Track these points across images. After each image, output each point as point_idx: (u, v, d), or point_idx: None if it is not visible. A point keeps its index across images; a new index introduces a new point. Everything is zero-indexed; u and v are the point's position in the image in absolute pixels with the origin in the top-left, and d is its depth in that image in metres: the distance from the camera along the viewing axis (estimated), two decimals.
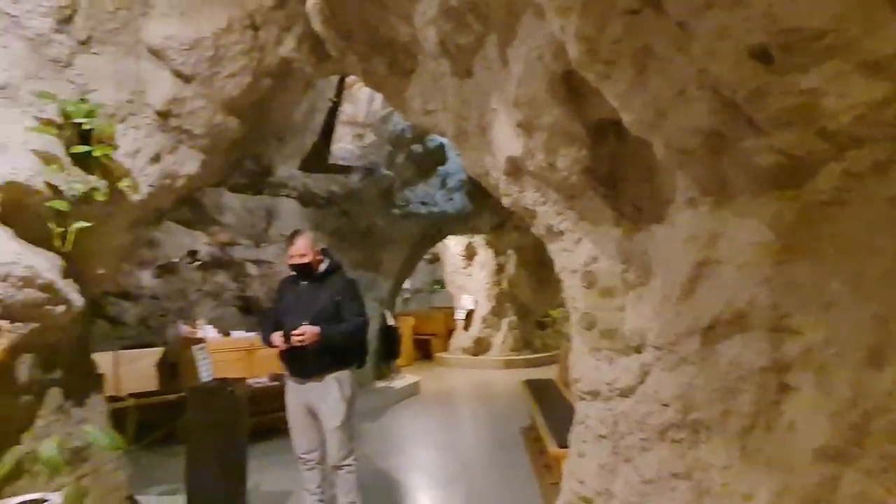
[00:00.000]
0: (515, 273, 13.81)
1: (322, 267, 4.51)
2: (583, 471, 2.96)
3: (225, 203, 7.62)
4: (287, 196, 8.17)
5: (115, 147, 4.12)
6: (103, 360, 7.72)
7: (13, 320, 3.60)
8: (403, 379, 11.00)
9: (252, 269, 8.90)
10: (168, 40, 4.30)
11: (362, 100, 7.46)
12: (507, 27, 2.74)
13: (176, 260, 7.97)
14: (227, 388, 4.92)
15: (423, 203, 9.53)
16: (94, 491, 3.94)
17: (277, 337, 4.29)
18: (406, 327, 13.42)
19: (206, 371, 5.02)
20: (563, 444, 3.89)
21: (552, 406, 6.33)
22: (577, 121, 2.60)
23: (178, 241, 7.85)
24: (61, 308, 3.85)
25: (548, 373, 9.17)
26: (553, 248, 3.15)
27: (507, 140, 2.96)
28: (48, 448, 3.60)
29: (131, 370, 7.96)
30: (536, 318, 14.29)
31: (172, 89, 4.37)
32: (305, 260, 4.43)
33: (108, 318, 8.27)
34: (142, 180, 4.28)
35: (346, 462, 4.36)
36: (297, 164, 7.63)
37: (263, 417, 6.75)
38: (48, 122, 3.79)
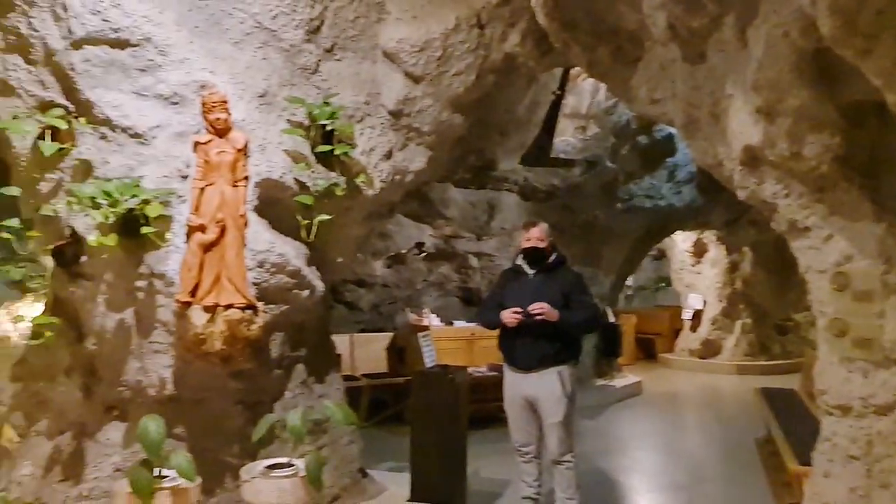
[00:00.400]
0: (752, 272, 12.76)
1: (551, 258, 4.42)
2: (829, 493, 2.65)
3: (450, 197, 7.94)
4: (508, 190, 8.30)
5: (354, 146, 4.45)
6: (340, 342, 8.43)
7: (267, 302, 4.04)
8: (625, 378, 10.67)
9: (474, 262, 9.17)
10: (400, 43, 4.56)
11: (586, 91, 7.34)
12: (747, 5, 2.52)
13: (405, 251, 8.47)
14: (448, 374, 5.11)
15: (649, 196, 9.15)
16: (331, 461, 4.30)
17: (510, 312, 4.17)
18: (628, 325, 13.01)
19: (430, 357, 5.26)
20: (806, 462, 3.51)
21: (793, 418, 5.75)
22: (829, 103, 2.31)
23: (407, 233, 8.33)
24: (306, 292, 4.26)
25: (787, 382, 8.37)
26: (797, 246, 2.84)
27: (743, 127, 2.72)
28: (293, 418, 3.97)
29: (364, 352, 8.57)
30: (775, 322, 13.10)
31: (404, 90, 4.62)
32: (542, 244, 4.35)
33: (346, 303, 9.00)
34: (375, 176, 4.58)
35: (566, 458, 4.29)
36: (519, 158, 7.70)
37: (482, 405, 6.91)
38: (298, 125, 4.19)
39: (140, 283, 3.82)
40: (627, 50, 3.61)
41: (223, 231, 3.79)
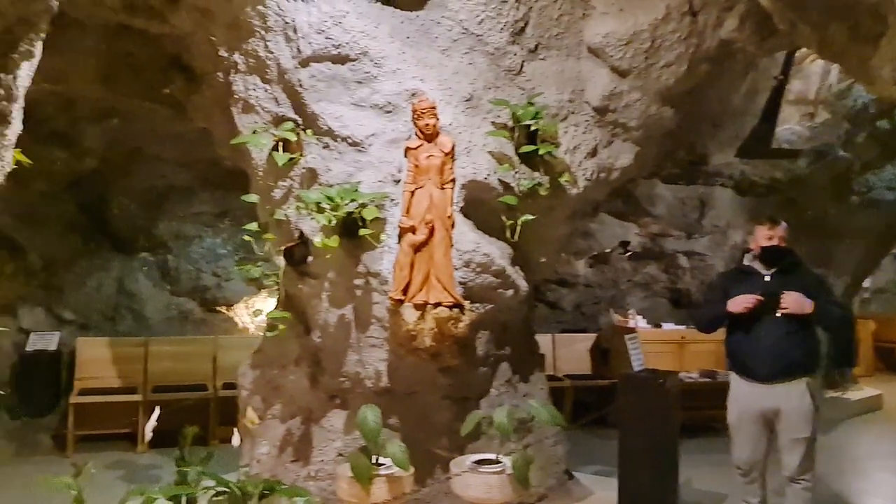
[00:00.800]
0: None
1: (789, 258, 4.06)
2: None
3: (657, 194, 7.62)
4: (722, 185, 7.78)
5: (558, 145, 4.41)
6: (543, 341, 8.42)
7: (473, 301, 4.13)
8: (861, 390, 9.57)
9: (683, 261, 8.72)
10: (606, 38, 4.44)
11: (815, 74, 6.66)
12: None
13: (608, 250, 8.27)
14: (658, 379, 4.89)
15: (891, 188, 8.09)
16: (537, 460, 4.30)
17: (744, 298, 3.85)
18: (865, 332, 11.64)
19: (638, 361, 5.07)
20: None
21: None
22: None
23: (611, 232, 8.12)
24: (510, 292, 4.30)
25: None
26: None
27: None
28: (500, 415, 4.03)
29: (567, 352, 8.49)
30: None
31: (609, 85, 4.50)
32: (783, 244, 4.00)
33: (547, 303, 8.97)
34: (580, 174, 4.51)
35: (804, 477, 3.88)
36: (734, 150, 7.19)
37: (694, 413, 6.55)
38: (502, 126, 4.24)
39: (358, 282, 4.09)
40: (866, 26, 3.20)
41: (432, 232, 3.94)
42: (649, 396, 4.94)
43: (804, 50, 6.59)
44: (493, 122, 4.27)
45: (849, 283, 9.24)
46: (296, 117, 4.05)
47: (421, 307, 3.93)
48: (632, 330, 7.94)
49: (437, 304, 3.93)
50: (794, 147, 7.17)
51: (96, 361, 6.70)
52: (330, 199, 3.81)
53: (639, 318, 8.43)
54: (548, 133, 4.30)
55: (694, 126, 6.80)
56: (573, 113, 4.52)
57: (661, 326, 8.26)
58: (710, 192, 7.89)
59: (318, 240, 3.85)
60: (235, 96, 4.13)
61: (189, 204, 7.07)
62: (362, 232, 3.79)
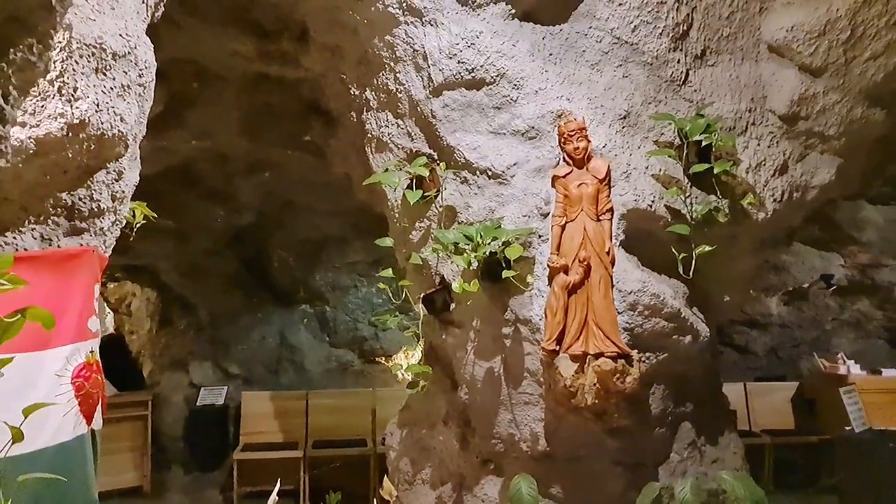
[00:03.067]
0: None
1: None
2: None
3: (864, 218, 6.47)
4: None
5: (737, 162, 3.72)
6: (733, 392, 7.41)
7: (642, 350, 3.51)
8: None
9: None
10: (792, 32, 3.72)
11: None
12: None
13: (806, 285, 7.15)
14: (888, 442, 3.93)
15: None
16: None
17: None
18: None
19: (857, 418, 4.13)
20: None
21: None
22: None
23: (808, 263, 7.02)
24: (688, 338, 3.62)
25: None
26: None
27: None
28: (683, 488, 3.37)
29: (764, 404, 7.40)
30: None
31: (799, 87, 3.75)
32: None
33: (736, 347, 7.94)
34: (766, 196, 3.77)
35: None
36: None
37: None
38: (667, 145, 3.64)
39: (506, 330, 3.63)
40: None
41: (588, 271, 3.40)
42: (877, 462, 4.00)
43: None
44: (655, 142, 3.68)
45: None
46: (431, 151, 3.72)
47: (579, 358, 3.38)
48: (842, 378, 6.78)
49: (599, 355, 3.36)
50: None
51: (260, 416, 6.74)
52: (469, 238, 3.40)
53: (851, 363, 7.18)
54: (723, 148, 3.63)
55: None
56: (754, 124, 3.81)
57: (880, 373, 6.95)
58: None
59: (456, 285, 3.44)
60: (369, 135, 3.88)
61: (343, 254, 7.02)
62: (506, 274, 3.32)
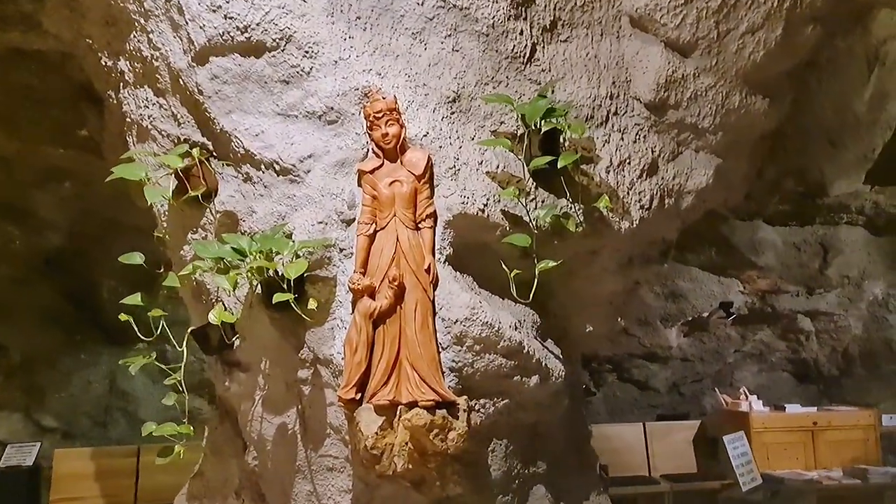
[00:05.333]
0: None
1: None
2: None
3: (762, 239, 5.95)
4: (849, 223, 6.02)
5: (595, 159, 3.01)
6: (631, 434, 6.74)
7: (474, 396, 2.71)
8: None
9: (806, 324, 6.87)
10: (655, 0, 3.07)
11: None
12: None
13: (706, 314, 6.58)
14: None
15: None
16: None
17: None
18: None
19: (746, 472, 3.43)
20: None
21: None
22: None
23: (706, 290, 6.46)
24: (534, 378, 2.84)
25: None
26: None
27: None
28: None
29: (665, 446, 6.74)
30: None
31: (665, 68, 3.09)
32: None
33: (636, 383, 7.30)
34: (632, 201, 3.07)
35: None
36: (861, 176, 5.50)
37: None
38: (505, 135, 2.89)
39: (302, 374, 2.78)
40: None
41: (400, 294, 2.59)
42: None
43: None
44: (493, 132, 2.93)
45: None
46: (204, 140, 2.86)
47: (386, 410, 2.55)
48: (746, 417, 6.18)
49: (413, 405, 2.54)
50: None
51: (77, 477, 5.61)
52: (239, 251, 2.54)
53: (753, 398, 6.60)
54: (576, 142, 2.92)
55: (804, 144, 5.21)
56: (616, 114, 3.12)
57: (784, 409, 6.39)
58: (834, 232, 6.12)
59: (213, 316, 2.57)
60: (128, 119, 3.00)
61: None
62: (280, 297, 2.47)
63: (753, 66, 3.07)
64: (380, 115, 2.67)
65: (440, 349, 2.63)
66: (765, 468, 6.01)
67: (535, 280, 2.71)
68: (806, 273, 6.36)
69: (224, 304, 2.83)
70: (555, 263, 2.68)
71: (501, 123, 2.93)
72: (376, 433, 2.53)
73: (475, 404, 2.72)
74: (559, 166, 2.74)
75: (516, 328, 2.78)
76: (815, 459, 6.06)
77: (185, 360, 2.83)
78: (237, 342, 2.88)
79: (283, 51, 2.71)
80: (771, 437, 6.05)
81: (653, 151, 3.15)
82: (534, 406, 2.92)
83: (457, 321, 2.65)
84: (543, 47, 3.06)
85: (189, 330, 2.88)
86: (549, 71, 3.04)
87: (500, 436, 2.87)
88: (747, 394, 6.60)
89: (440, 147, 2.79)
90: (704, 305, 6.56)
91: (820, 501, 5.35)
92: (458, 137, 2.85)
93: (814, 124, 5.05)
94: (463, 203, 2.75)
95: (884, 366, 6.78)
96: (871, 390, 6.87)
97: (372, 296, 2.60)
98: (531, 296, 2.71)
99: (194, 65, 2.71)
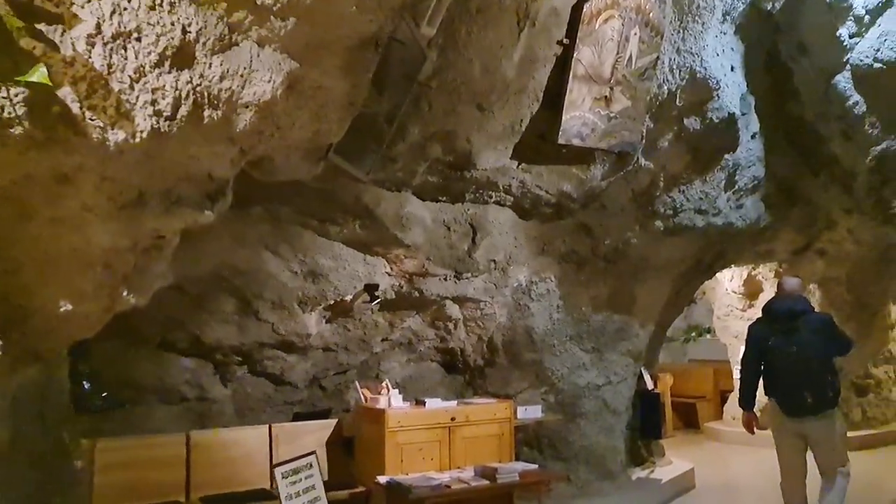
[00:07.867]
0: None
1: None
2: None
3: (410, 214, 5.25)
4: (498, 203, 5.59)
5: (61, 15, 1.76)
6: (255, 438, 5.63)
7: None
8: (670, 466, 7.79)
9: (454, 311, 6.40)
10: None
11: (609, 40, 4.66)
12: None
13: (349, 297, 5.73)
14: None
15: (700, 212, 6.40)
16: None
17: None
18: (663, 388, 10.13)
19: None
20: None
21: None
22: None
23: (350, 270, 5.62)
24: None
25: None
26: None
27: None
28: None
29: (294, 450, 5.71)
30: (851, 380, 10.25)
31: None
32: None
33: (271, 377, 6.21)
34: (136, 100, 1.88)
35: None
36: (510, 150, 5.05)
37: None
38: None
39: None
40: None
41: None
42: None
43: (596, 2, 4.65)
44: None
45: (653, 333, 7.47)
46: None
47: None
48: (382, 414, 5.45)
49: None
50: (585, 145, 5.14)
51: None
52: None
53: (394, 392, 5.91)
54: None
55: (451, 106, 4.53)
56: None
57: (424, 404, 5.78)
58: (483, 212, 5.65)
59: None
60: None
61: None
62: None
63: None
64: None
65: None
66: (398, 472, 5.35)
67: None
68: (455, 255, 5.86)
69: None
70: None
71: None
72: None
73: None
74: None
75: None
76: (449, 459, 5.54)
77: None
78: None
79: None
80: (406, 436, 5.39)
81: (185, 31, 2.00)
82: None
83: None
84: None
85: None
86: None
87: None
88: (389, 387, 5.90)
89: None
90: (348, 287, 5.71)
91: None
92: None
93: (461, 82, 4.40)
94: None
95: (524, 355, 6.57)
96: (512, 381, 6.65)
97: None
98: None
99: None
